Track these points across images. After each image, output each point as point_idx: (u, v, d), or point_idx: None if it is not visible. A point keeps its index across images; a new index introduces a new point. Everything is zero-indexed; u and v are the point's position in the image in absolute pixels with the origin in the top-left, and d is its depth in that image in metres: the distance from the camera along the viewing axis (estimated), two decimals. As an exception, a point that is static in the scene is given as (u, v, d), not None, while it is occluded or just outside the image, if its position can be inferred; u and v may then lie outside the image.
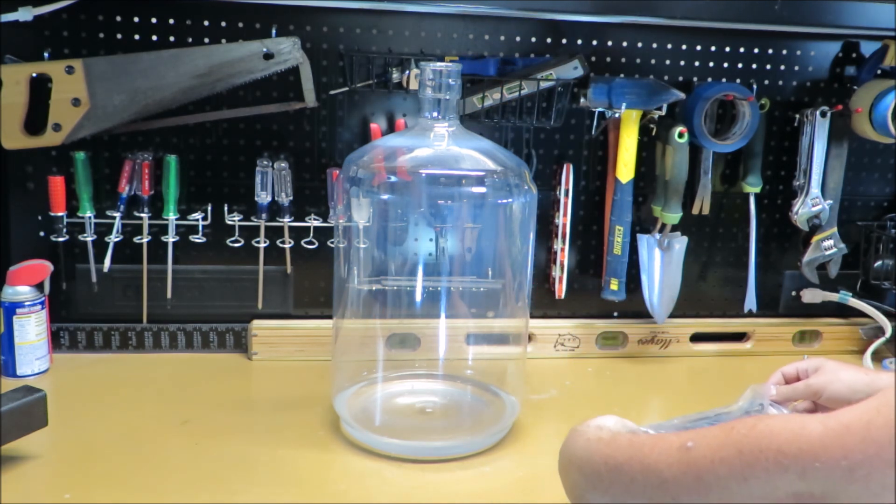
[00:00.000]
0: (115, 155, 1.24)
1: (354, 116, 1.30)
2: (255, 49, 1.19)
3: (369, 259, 1.17)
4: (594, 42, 1.32)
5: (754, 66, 1.36)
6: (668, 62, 1.34)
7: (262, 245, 1.26)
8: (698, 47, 1.34)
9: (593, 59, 1.31)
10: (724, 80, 1.35)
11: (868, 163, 1.44)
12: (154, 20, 1.21)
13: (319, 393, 1.12)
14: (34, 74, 1.15)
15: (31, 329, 1.17)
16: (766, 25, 1.32)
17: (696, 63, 1.35)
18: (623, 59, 1.33)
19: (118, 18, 1.21)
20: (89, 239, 1.23)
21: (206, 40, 1.22)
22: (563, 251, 1.34)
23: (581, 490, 0.77)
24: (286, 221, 1.25)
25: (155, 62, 1.17)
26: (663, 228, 1.36)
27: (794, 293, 1.46)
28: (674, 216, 1.33)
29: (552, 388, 1.23)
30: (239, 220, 1.26)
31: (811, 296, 1.43)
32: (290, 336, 1.30)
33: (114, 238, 1.23)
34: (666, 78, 1.33)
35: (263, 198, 1.23)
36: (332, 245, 1.26)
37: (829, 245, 1.39)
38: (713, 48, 1.35)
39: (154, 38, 1.22)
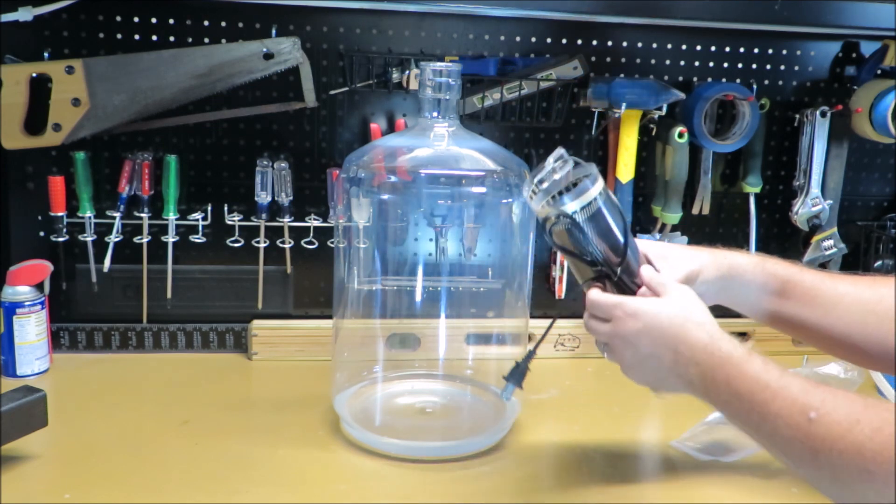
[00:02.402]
0: (115, 155, 1.24)
1: (354, 116, 1.30)
2: (255, 49, 1.19)
3: (369, 259, 1.17)
4: (594, 42, 1.32)
5: (754, 66, 1.36)
6: (668, 62, 1.34)
7: (262, 245, 1.26)
8: (698, 47, 1.34)
9: (593, 59, 1.31)
10: (724, 80, 1.35)
11: (868, 163, 1.44)
12: (154, 20, 1.21)
13: (319, 393, 1.12)
14: (34, 74, 1.15)
15: (31, 329, 1.17)
16: (766, 25, 1.32)
17: (696, 63, 1.35)
18: (623, 59, 1.33)
19: (118, 18, 1.21)
20: (89, 239, 1.23)
21: (206, 40, 1.22)
22: (563, 251, 1.34)
23: (668, 374, 0.78)
24: (286, 221, 1.25)
25: (155, 62, 1.17)
26: (663, 228, 1.36)
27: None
28: (674, 216, 1.33)
29: (552, 388, 1.23)
30: (239, 220, 1.26)
31: (811, 296, 1.43)
32: (290, 336, 1.30)
33: (114, 238, 1.23)
34: (666, 78, 1.33)
35: (263, 198, 1.23)
36: (332, 245, 1.26)
37: (829, 245, 1.39)
38: (713, 48, 1.35)
39: (154, 38, 1.22)
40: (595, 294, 0.82)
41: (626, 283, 0.82)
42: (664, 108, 1.29)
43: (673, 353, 0.77)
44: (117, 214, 1.23)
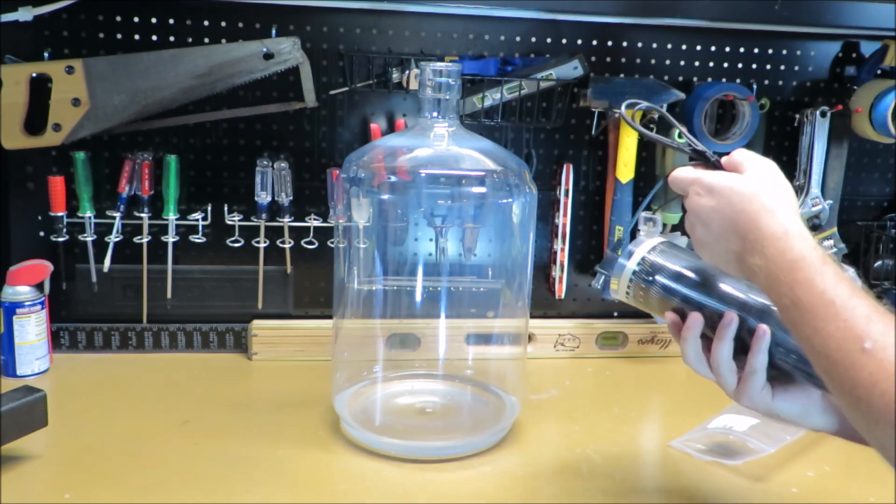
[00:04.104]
0: (115, 155, 1.24)
1: (354, 116, 1.30)
2: (255, 49, 1.19)
3: (369, 259, 1.17)
4: (594, 42, 1.32)
5: (754, 66, 1.36)
6: (668, 62, 1.34)
7: (262, 245, 1.26)
8: (698, 47, 1.34)
9: (593, 59, 1.31)
10: (724, 80, 1.35)
11: (868, 163, 1.44)
12: (154, 20, 1.21)
13: (319, 393, 1.12)
14: (34, 74, 1.15)
15: (31, 329, 1.17)
16: (766, 25, 1.32)
17: (696, 63, 1.35)
18: (623, 59, 1.33)
19: (118, 18, 1.21)
20: (89, 239, 1.23)
21: (206, 40, 1.22)
22: (563, 251, 1.34)
23: (735, 259, 0.74)
24: (286, 221, 1.25)
25: (155, 62, 1.17)
26: (663, 228, 1.36)
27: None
28: (674, 216, 1.33)
29: (552, 388, 1.23)
30: (239, 220, 1.26)
31: (811, 296, 1.43)
32: (290, 336, 1.30)
33: (114, 238, 1.23)
34: (666, 78, 1.33)
35: (263, 198, 1.23)
36: (332, 245, 1.26)
37: (829, 245, 1.39)
38: (713, 48, 1.35)
39: (154, 38, 1.22)
40: (677, 170, 0.80)
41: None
42: (664, 108, 1.28)
43: (741, 241, 0.72)
44: (117, 214, 1.23)
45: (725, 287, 0.81)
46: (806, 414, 0.79)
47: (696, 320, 0.80)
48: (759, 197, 0.72)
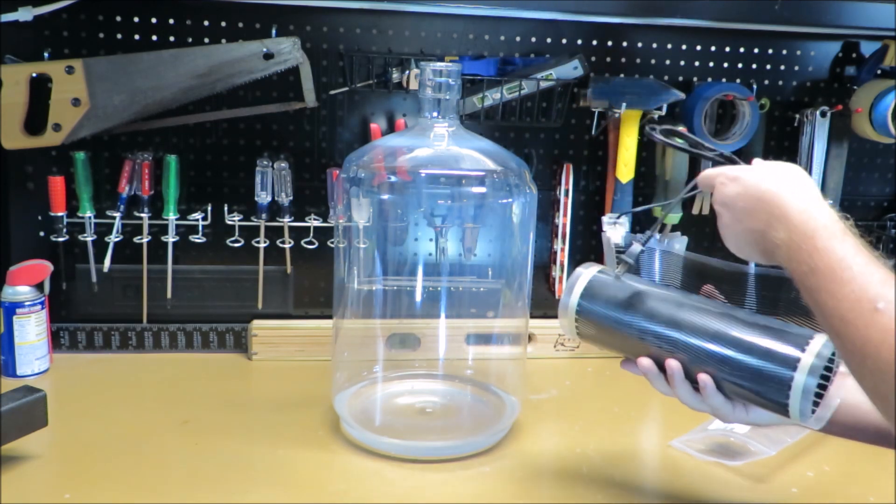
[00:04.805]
0: (115, 155, 1.24)
1: (354, 116, 1.30)
2: (255, 49, 1.19)
3: (369, 259, 1.17)
4: (594, 42, 1.32)
5: (754, 66, 1.36)
6: (668, 62, 1.34)
7: (262, 245, 1.26)
8: (698, 47, 1.34)
9: (593, 59, 1.31)
10: (724, 80, 1.35)
11: (868, 163, 1.44)
12: (154, 20, 1.21)
13: (319, 393, 1.12)
14: (34, 74, 1.15)
15: (31, 329, 1.17)
16: (766, 25, 1.32)
17: (696, 63, 1.35)
18: (623, 59, 1.33)
19: (118, 18, 1.21)
20: (89, 239, 1.23)
21: (206, 40, 1.22)
22: (563, 251, 1.34)
23: (759, 237, 0.76)
24: (286, 221, 1.25)
25: (155, 62, 1.17)
26: (663, 228, 1.36)
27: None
28: (674, 216, 1.33)
29: (552, 388, 1.23)
30: (239, 220, 1.26)
31: (811, 296, 1.43)
32: (290, 336, 1.30)
33: (114, 238, 1.23)
34: (666, 78, 1.33)
35: (263, 198, 1.23)
36: (332, 245, 1.26)
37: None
38: (713, 48, 1.35)
39: (154, 38, 1.22)
40: (706, 171, 0.83)
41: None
42: (664, 108, 1.29)
43: (766, 216, 0.75)
44: (117, 214, 1.23)
45: (684, 313, 0.83)
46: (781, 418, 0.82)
47: (676, 369, 0.81)
48: (783, 179, 0.75)
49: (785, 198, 0.74)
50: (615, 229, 0.99)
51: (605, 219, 1.04)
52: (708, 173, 0.83)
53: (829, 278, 0.67)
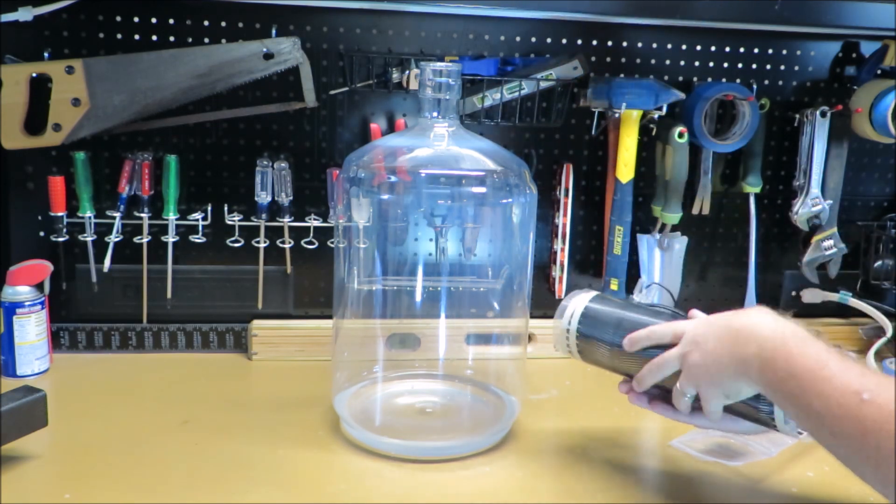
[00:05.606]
0: (115, 155, 1.24)
1: (354, 116, 1.30)
2: (255, 49, 1.19)
3: (369, 259, 1.17)
4: (594, 42, 1.32)
5: (754, 66, 1.36)
6: (668, 62, 1.34)
7: (262, 245, 1.26)
8: (698, 47, 1.34)
9: (593, 59, 1.31)
10: (724, 80, 1.35)
11: (868, 163, 1.44)
12: (154, 20, 1.21)
13: (319, 393, 1.12)
14: (34, 74, 1.15)
15: (31, 329, 1.17)
16: (766, 25, 1.32)
17: (696, 63, 1.35)
18: (623, 59, 1.33)
19: (118, 18, 1.21)
20: (89, 239, 1.23)
21: (206, 40, 1.22)
22: (563, 251, 1.34)
23: (728, 365, 0.80)
24: (286, 221, 1.25)
25: (155, 62, 1.17)
26: (663, 228, 1.36)
27: (794, 293, 1.46)
28: (674, 216, 1.33)
29: (552, 388, 1.23)
30: (239, 220, 1.26)
31: (811, 296, 1.43)
32: (290, 336, 1.30)
33: (114, 238, 1.23)
34: (666, 78, 1.33)
35: (263, 198, 1.23)
36: (332, 245, 1.26)
37: (829, 245, 1.39)
38: (713, 48, 1.35)
39: (154, 38, 1.22)
40: (661, 325, 0.89)
41: None
42: (664, 108, 1.29)
43: (734, 338, 0.79)
44: (117, 214, 1.23)
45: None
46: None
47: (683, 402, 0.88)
48: (747, 310, 0.82)
49: (751, 317, 0.79)
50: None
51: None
52: (659, 331, 0.88)
53: (810, 379, 0.70)
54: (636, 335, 0.90)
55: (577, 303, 0.98)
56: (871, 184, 1.45)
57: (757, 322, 0.78)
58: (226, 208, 1.26)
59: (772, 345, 0.75)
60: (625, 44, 1.32)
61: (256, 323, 1.30)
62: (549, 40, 1.30)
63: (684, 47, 1.34)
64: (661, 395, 0.91)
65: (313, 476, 0.94)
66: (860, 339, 1.42)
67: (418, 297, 1.16)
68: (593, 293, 0.99)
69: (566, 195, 1.33)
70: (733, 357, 0.79)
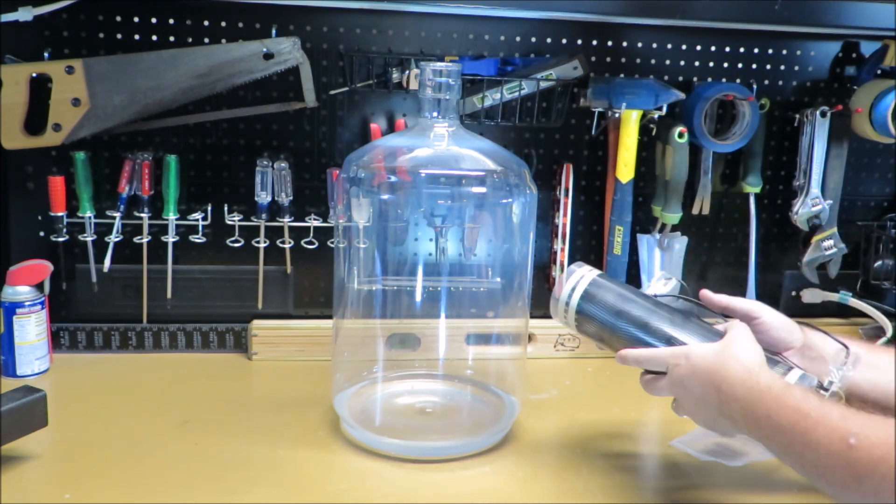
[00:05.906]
0: (115, 155, 1.24)
1: (354, 116, 1.30)
2: (255, 49, 1.19)
3: (369, 259, 1.16)
4: (594, 42, 1.32)
5: (754, 66, 1.36)
6: (668, 62, 1.34)
7: (262, 245, 1.26)
8: (698, 47, 1.34)
9: (593, 59, 1.31)
10: (724, 80, 1.35)
11: (868, 163, 1.44)
12: (154, 20, 1.21)
13: (319, 393, 1.12)
14: (34, 74, 1.15)
15: (31, 329, 1.17)
16: (766, 25, 1.32)
17: (696, 63, 1.35)
18: (623, 59, 1.33)
19: (118, 18, 1.21)
20: (89, 239, 1.23)
21: (206, 40, 1.22)
22: (563, 251, 1.34)
23: (717, 415, 0.80)
24: (286, 221, 1.25)
25: (155, 62, 1.17)
26: (663, 228, 1.36)
27: (794, 293, 1.46)
28: (674, 216, 1.33)
29: (552, 388, 1.23)
30: (239, 220, 1.26)
31: (811, 296, 1.43)
32: (290, 336, 1.30)
33: (114, 238, 1.23)
34: (666, 78, 1.33)
35: (263, 198, 1.23)
36: (332, 245, 1.26)
37: (829, 245, 1.39)
38: (713, 48, 1.35)
39: (154, 38, 1.22)
40: (648, 351, 0.88)
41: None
42: (664, 108, 1.29)
43: (716, 392, 0.80)
44: (117, 214, 1.22)
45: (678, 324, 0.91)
46: None
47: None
48: (727, 350, 0.81)
49: (728, 371, 0.79)
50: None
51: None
52: (656, 356, 0.87)
53: (794, 431, 0.71)
54: (629, 355, 0.89)
55: (583, 277, 0.94)
56: (871, 184, 1.45)
57: (730, 372, 0.79)
58: (226, 208, 1.26)
59: (750, 402, 0.76)
60: (625, 44, 1.32)
61: (256, 323, 1.30)
62: (549, 40, 1.30)
63: (684, 47, 1.34)
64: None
65: (313, 476, 0.94)
66: (860, 340, 1.42)
67: (418, 297, 1.16)
68: (597, 272, 0.96)
69: (566, 195, 1.33)
70: (721, 413, 0.80)
